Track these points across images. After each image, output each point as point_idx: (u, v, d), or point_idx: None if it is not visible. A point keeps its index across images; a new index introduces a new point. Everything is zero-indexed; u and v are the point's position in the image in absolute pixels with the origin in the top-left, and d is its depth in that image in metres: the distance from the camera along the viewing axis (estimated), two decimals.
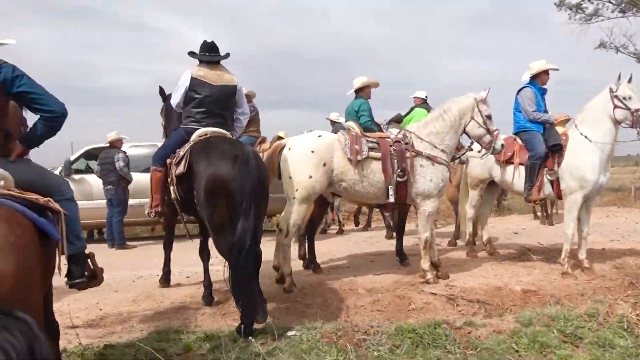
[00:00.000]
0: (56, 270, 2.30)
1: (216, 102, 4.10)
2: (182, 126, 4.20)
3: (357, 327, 3.58)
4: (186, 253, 5.58)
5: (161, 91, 5.06)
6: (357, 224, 9.49)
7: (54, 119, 2.36)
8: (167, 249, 5.04)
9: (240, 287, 3.44)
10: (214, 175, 3.49)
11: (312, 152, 4.69)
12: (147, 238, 9.12)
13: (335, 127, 8.66)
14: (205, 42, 4.21)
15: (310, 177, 4.65)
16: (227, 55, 4.26)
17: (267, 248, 6.69)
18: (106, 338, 3.65)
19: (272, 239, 7.91)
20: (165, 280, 5.02)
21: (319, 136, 4.93)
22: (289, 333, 3.49)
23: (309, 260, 5.60)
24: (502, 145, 5.06)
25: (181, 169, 3.74)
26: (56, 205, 2.17)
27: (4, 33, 2.48)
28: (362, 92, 6.01)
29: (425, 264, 4.93)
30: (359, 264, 5.95)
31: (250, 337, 3.34)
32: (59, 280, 2.51)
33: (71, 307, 4.24)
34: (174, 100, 4.23)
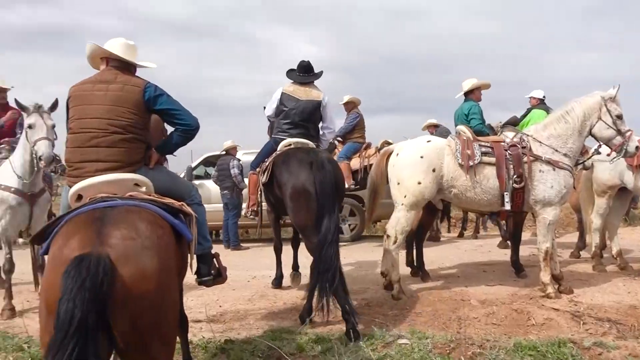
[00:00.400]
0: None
1: (301, 115, 4.46)
2: (272, 136, 4.64)
3: (471, 339, 3.44)
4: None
5: None
6: (461, 234, 9.13)
7: (188, 131, 2.63)
8: (277, 253, 5.21)
9: (323, 281, 3.63)
10: (295, 183, 3.91)
11: (421, 157, 4.62)
12: (258, 240, 9.61)
13: (438, 131, 8.45)
14: (301, 62, 4.66)
15: (419, 183, 4.57)
16: (320, 73, 4.69)
17: (374, 254, 6.77)
18: (226, 333, 3.90)
19: (378, 244, 7.97)
20: (278, 283, 5.22)
21: (428, 141, 4.83)
22: (400, 341, 3.45)
23: (417, 268, 5.50)
24: (637, 147, 4.56)
25: (264, 179, 4.34)
26: (189, 209, 2.38)
27: (143, 54, 2.77)
28: (471, 94, 5.78)
29: (545, 277, 4.59)
30: (470, 273, 5.71)
31: (360, 342, 3.38)
32: (189, 277, 2.74)
33: (195, 303, 4.61)
34: (267, 112, 4.72)
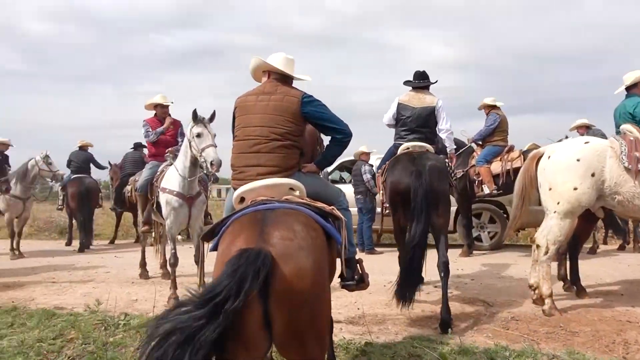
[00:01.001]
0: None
1: (416, 121, 4.77)
2: (393, 142, 4.98)
3: None
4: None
5: None
6: (622, 247, 8.05)
7: (342, 139, 2.73)
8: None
9: (407, 276, 4.19)
10: (393, 187, 4.37)
11: (578, 160, 4.19)
12: (391, 245, 9.56)
13: (590, 132, 7.58)
14: (417, 72, 5.01)
15: (576, 188, 4.15)
16: (435, 82, 5.02)
17: (518, 265, 6.32)
18: (365, 336, 3.93)
19: (522, 254, 7.42)
20: None
21: (586, 142, 4.37)
22: None
23: (571, 282, 4.99)
24: None
25: (381, 181, 4.82)
26: (339, 213, 2.46)
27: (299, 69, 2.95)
28: (635, 88, 5.06)
29: None
30: (637, 292, 5.02)
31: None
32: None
33: (334, 304, 4.71)
34: (385, 120, 5.05)
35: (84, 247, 9.21)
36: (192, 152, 4.87)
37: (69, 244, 10.05)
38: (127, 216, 10.86)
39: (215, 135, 4.83)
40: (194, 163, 4.99)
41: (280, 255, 1.88)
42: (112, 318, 4.44)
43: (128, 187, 9.48)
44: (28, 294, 5.73)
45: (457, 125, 7.40)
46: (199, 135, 4.74)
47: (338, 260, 2.66)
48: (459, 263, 7.09)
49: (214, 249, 2.25)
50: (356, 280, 2.95)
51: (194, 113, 4.76)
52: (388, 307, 4.71)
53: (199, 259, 5.24)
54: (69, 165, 9.89)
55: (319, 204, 2.39)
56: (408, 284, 4.18)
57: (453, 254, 7.72)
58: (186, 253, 5.94)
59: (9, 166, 8.50)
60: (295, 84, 2.91)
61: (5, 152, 8.70)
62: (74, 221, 10.05)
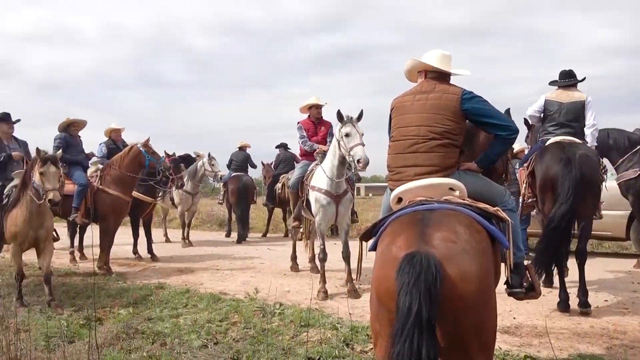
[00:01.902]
0: None
1: (565, 116, 4.78)
2: (540, 138, 4.98)
3: None
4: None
5: (526, 122, 5.78)
6: None
7: (507, 137, 2.57)
8: (560, 271, 4.66)
9: (544, 254, 4.25)
10: (544, 175, 4.49)
11: None
12: None
13: None
14: (562, 71, 5.04)
15: None
16: (582, 79, 5.00)
17: None
18: (523, 348, 3.64)
19: None
20: (564, 307, 4.59)
21: None
22: None
23: None
24: None
25: (526, 173, 4.94)
26: (504, 214, 2.30)
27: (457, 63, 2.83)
28: None
29: None
30: None
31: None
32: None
33: None
34: (528, 112, 5.11)
35: (241, 239, 10.09)
36: (340, 151, 5.00)
37: (228, 235, 11.10)
38: (277, 212, 11.62)
39: (363, 134, 4.91)
40: (342, 162, 5.12)
41: (443, 257, 1.81)
42: (269, 306, 4.78)
43: (279, 185, 10.21)
44: (197, 278, 6.46)
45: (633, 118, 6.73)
46: (347, 135, 4.86)
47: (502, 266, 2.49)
48: (634, 275, 6.20)
49: (373, 248, 2.26)
50: (525, 288, 2.73)
51: (339, 113, 4.90)
52: (550, 319, 4.30)
53: (347, 255, 5.38)
54: (229, 164, 10.93)
55: (482, 205, 2.27)
56: (541, 262, 4.25)
57: (626, 265, 6.80)
58: (332, 249, 6.14)
59: (182, 164, 9.64)
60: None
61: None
62: (232, 215, 11.05)
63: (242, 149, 11.07)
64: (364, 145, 4.85)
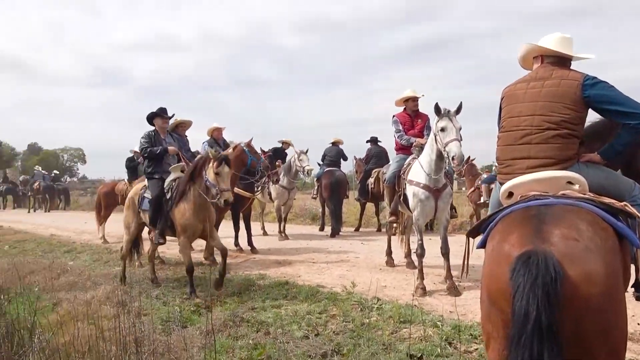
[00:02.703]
0: None
1: None
2: None
3: None
4: None
5: None
6: None
7: (638, 125, 2.31)
8: None
9: None
10: None
11: None
12: None
13: None
14: None
15: None
16: None
17: None
18: None
19: None
20: None
21: None
22: None
23: None
24: None
25: None
26: (633, 210, 2.08)
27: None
28: None
29: None
30: None
31: None
32: None
33: None
34: None
35: (334, 233, 10.23)
36: (437, 145, 4.86)
37: (321, 229, 11.30)
38: (369, 206, 11.61)
39: (460, 129, 4.71)
40: (440, 157, 4.97)
41: (564, 256, 1.69)
42: (367, 301, 4.80)
43: (371, 180, 10.18)
44: (295, 271, 6.65)
45: None
46: (443, 129, 4.69)
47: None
48: None
49: (481, 246, 2.17)
50: None
51: (437, 107, 4.73)
52: None
53: (446, 252, 5.23)
54: (323, 159, 11.11)
55: (607, 200, 2.07)
56: None
57: None
58: (427, 244, 5.99)
59: (283, 160, 9.99)
60: None
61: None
62: (326, 209, 11.23)
63: (335, 144, 11.19)
64: (460, 140, 4.63)
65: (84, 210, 20.41)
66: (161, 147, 5.86)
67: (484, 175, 9.44)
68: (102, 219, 10.42)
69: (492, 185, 8.81)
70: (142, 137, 5.92)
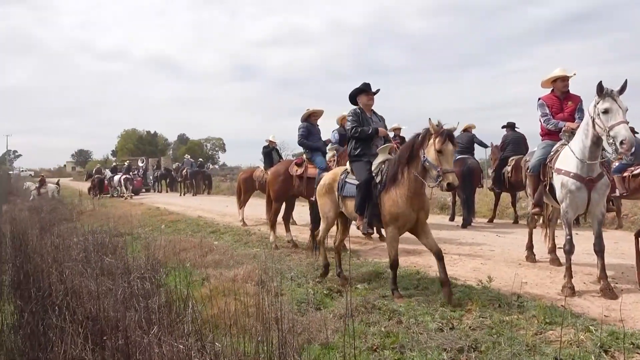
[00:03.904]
0: None
1: None
2: None
3: None
4: None
5: None
6: None
7: None
8: None
9: None
10: None
11: None
12: None
13: None
14: None
15: None
16: None
17: None
18: None
19: None
20: None
21: None
22: None
23: None
24: None
25: None
26: None
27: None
28: None
29: None
30: None
31: None
32: None
33: None
34: None
35: (466, 224, 9.77)
36: (595, 130, 4.32)
37: (452, 219, 10.87)
38: (504, 196, 10.87)
39: (627, 110, 4.13)
40: (596, 143, 4.42)
41: None
42: (505, 297, 4.50)
43: (507, 168, 9.50)
44: (425, 261, 6.48)
45: None
46: (606, 112, 4.14)
47: None
48: None
49: None
50: None
51: (600, 86, 4.19)
52: None
53: (601, 249, 4.66)
54: None
55: None
56: None
57: None
58: (575, 240, 5.42)
59: None
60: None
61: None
62: (457, 198, 10.78)
63: (466, 130, 10.65)
64: (627, 122, 4.06)
65: (225, 195, 22.26)
66: (372, 127, 5.21)
67: (616, 164, 7.73)
68: (242, 203, 11.24)
69: (625, 174, 7.61)
70: (349, 115, 5.32)
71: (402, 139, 10.04)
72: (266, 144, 11.33)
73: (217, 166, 53.78)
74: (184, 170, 24.76)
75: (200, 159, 28.91)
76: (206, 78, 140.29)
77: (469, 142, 10.46)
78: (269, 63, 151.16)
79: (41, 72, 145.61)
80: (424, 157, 4.45)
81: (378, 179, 4.88)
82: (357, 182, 5.02)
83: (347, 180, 5.23)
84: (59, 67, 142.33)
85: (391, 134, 10.24)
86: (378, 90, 5.44)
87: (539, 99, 5.56)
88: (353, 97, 5.43)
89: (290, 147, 33.36)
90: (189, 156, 28.99)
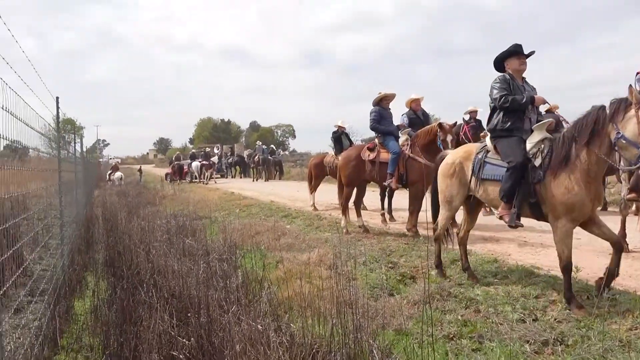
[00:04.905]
0: None
1: None
2: None
3: None
4: None
5: None
6: None
7: None
8: None
9: None
10: None
11: None
12: None
13: None
14: None
15: None
16: None
17: None
18: None
19: None
20: None
21: None
22: None
23: None
24: None
25: None
26: None
27: None
28: None
29: None
30: None
31: None
32: None
33: None
34: None
35: None
36: None
37: None
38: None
39: None
40: None
41: None
42: (594, 289, 4.19)
43: None
44: (504, 249, 6.21)
45: None
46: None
47: None
48: None
49: None
50: None
51: None
52: None
53: None
54: None
55: None
56: None
57: None
58: None
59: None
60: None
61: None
62: None
63: (549, 111, 9.99)
64: None
65: (295, 180, 22.64)
66: (526, 95, 4.37)
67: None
68: (312, 188, 11.36)
69: None
70: (496, 82, 4.50)
71: (479, 122, 9.61)
72: (335, 129, 11.33)
73: (287, 152, 54.77)
74: (257, 157, 25.45)
75: (272, 146, 29.55)
76: (276, 66, 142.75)
77: (556, 123, 9.82)
78: (338, 49, 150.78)
79: (124, 66, 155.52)
80: (619, 133, 3.62)
81: (537, 162, 4.09)
82: (504, 164, 4.28)
83: (487, 160, 4.51)
84: (140, 60, 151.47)
85: (467, 117, 9.90)
86: (532, 53, 4.59)
87: (638, 72, 5.04)
88: (499, 62, 4.68)
89: (360, 132, 33.20)
90: (261, 143, 29.75)
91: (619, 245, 4.08)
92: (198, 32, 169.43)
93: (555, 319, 3.62)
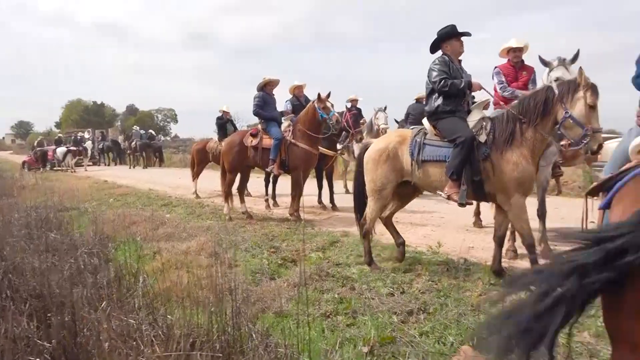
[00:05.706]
0: None
1: None
2: None
3: None
4: None
5: None
6: None
7: None
8: None
9: None
10: None
11: None
12: None
13: None
14: None
15: None
16: None
17: None
18: None
19: None
20: None
21: None
22: None
23: None
24: None
25: None
26: None
27: None
28: None
29: None
30: None
31: None
32: None
33: None
34: None
35: None
36: None
37: None
38: None
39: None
40: None
41: None
42: (453, 261, 4.67)
43: None
44: (378, 229, 6.62)
45: None
46: (557, 80, 4.26)
47: None
48: None
49: (605, 207, 1.96)
50: None
51: (541, 59, 4.30)
52: None
53: (542, 213, 4.91)
54: (407, 117, 10.79)
55: None
56: None
57: None
58: None
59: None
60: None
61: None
62: None
63: (419, 101, 10.78)
64: None
65: (178, 167, 21.75)
66: (464, 79, 4.39)
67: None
68: (195, 175, 11.02)
69: (563, 142, 7.90)
70: (435, 64, 4.45)
71: (359, 110, 10.05)
72: (220, 114, 11.08)
73: (169, 138, 52.30)
74: (133, 142, 23.92)
75: (151, 131, 27.95)
76: (158, 46, 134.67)
77: (421, 112, 10.58)
78: (224, 32, 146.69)
79: None
80: (567, 112, 3.78)
81: (482, 138, 4.14)
82: (446, 143, 4.28)
83: (427, 142, 4.42)
84: None
85: (349, 105, 10.28)
86: (469, 34, 4.52)
87: (496, 67, 5.64)
88: (437, 44, 4.56)
89: (245, 118, 32.77)
90: (138, 127, 27.94)
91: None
92: (67, 2, 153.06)
93: (419, 290, 3.97)
